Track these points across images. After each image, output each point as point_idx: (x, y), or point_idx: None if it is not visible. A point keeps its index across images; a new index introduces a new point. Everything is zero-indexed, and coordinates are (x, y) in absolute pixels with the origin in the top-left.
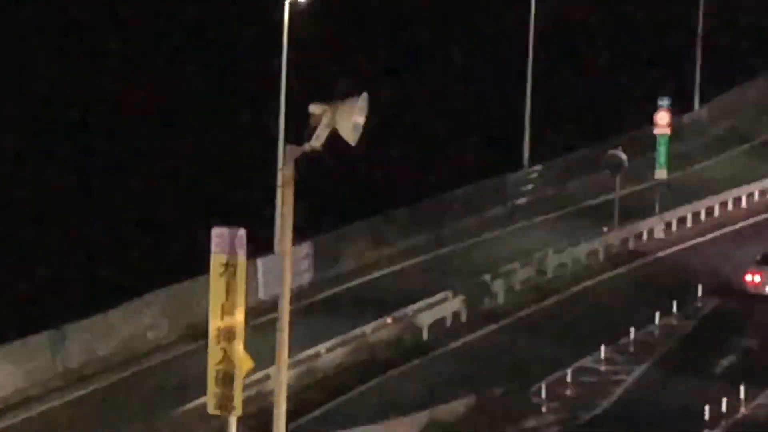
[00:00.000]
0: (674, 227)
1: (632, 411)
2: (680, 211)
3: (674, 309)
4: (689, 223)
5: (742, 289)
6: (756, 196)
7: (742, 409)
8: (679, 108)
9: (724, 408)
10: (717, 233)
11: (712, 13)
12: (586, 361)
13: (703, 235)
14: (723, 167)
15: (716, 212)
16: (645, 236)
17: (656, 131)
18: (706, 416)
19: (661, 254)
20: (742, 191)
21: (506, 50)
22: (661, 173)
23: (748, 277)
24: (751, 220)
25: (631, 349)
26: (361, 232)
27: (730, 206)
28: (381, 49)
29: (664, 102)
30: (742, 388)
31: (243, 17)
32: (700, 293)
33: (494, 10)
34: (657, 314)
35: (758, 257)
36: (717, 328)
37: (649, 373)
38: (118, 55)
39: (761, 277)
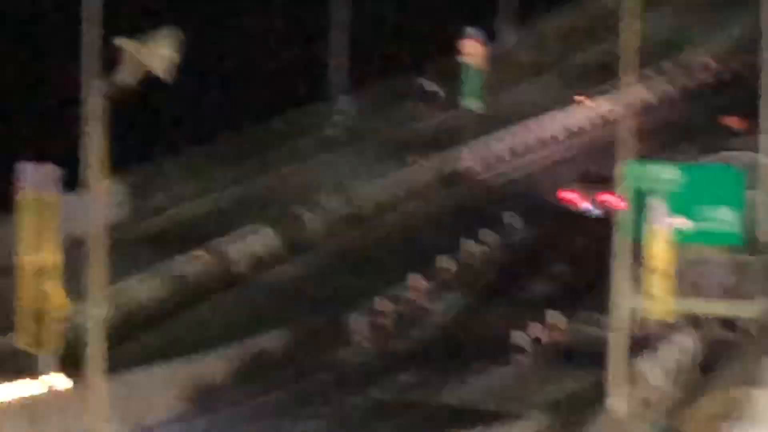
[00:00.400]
0: (486, 154)
1: (444, 338)
2: (492, 139)
3: (486, 235)
4: (501, 151)
5: (556, 210)
6: (565, 122)
7: (551, 334)
8: (488, 37)
9: (534, 334)
10: (528, 159)
11: None
12: (398, 290)
13: (514, 161)
14: (532, 95)
15: (527, 139)
16: (457, 164)
17: (465, 60)
18: (516, 342)
19: (473, 181)
20: (551, 118)
21: None
22: (471, 102)
23: (566, 195)
24: (560, 147)
25: (443, 276)
26: (176, 165)
27: (540, 133)
28: None
29: (473, 32)
30: (552, 314)
31: None
32: (512, 218)
33: None
34: (469, 241)
35: (575, 176)
36: (529, 253)
37: (461, 300)
38: None
39: (577, 195)
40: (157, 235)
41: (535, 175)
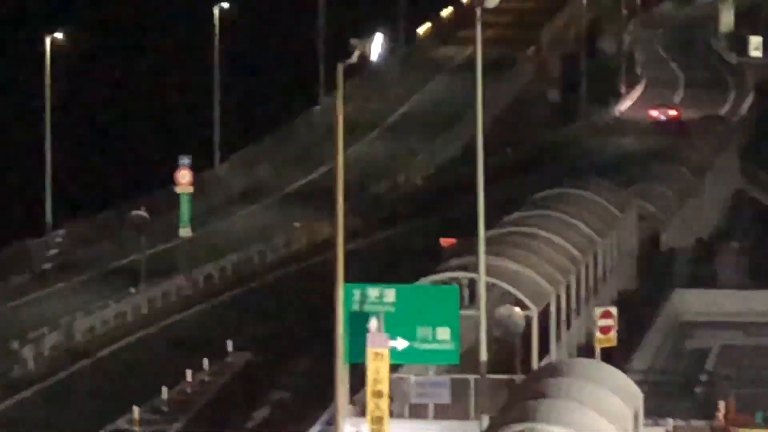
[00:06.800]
0: (201, 283)
1: None
2: (207, 268)
3: (206, 365)
4: (216, 279)
5: None
6: (281, 248)
7: None
8: (201, 165)
9: None
10: (243, 288)
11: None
12: (120, 423)
13: (231, 289)
14: (246, 222)
15: (242, 266)
16: (173, 295)
17: (178, 189)
18: None
19: (192, 311)
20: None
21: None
22: (185, 231)
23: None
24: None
25: (165, 407)
26: None
27: (256, 260)
28: None
29: (185, 160)
30: None
31: None
32: (230, 348)
33: None
34: (189, 371)
35: None
36: (249, 381)
37: (186, 431)
38: None
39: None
40: None
41: (258, 295)
